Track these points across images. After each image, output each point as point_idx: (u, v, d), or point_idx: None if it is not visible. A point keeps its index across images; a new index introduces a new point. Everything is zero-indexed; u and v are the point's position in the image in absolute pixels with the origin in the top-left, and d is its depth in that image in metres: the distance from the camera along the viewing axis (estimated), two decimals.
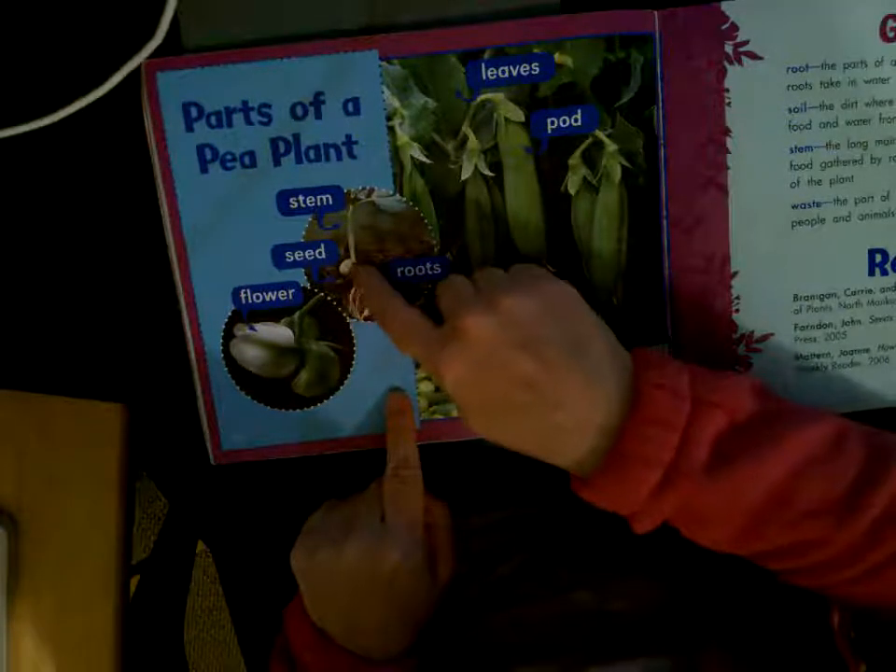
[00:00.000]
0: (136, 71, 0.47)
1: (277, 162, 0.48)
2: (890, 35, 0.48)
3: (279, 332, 0.51)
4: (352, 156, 0.48)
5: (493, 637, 0.50)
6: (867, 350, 0.52)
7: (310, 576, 0.49)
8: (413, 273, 0.50)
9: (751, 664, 0.45)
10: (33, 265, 0.52)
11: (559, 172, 0.49)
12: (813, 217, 0.50)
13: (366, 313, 0.51)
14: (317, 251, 0.50)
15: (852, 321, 0.52)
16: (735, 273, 0.51)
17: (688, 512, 0.42)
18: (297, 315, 0.51)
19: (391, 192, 0.49)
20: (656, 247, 0.50)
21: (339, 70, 0.47)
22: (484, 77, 0.47)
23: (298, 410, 0.52)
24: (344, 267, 0.50)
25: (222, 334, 0.51)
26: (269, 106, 0.48)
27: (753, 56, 0.48)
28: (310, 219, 0.49)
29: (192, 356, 0.51)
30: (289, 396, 0.52)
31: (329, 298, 0.50)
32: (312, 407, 0.52)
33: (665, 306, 0.51)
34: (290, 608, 0.52)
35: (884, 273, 0.51)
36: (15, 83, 0.49)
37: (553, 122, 0.48)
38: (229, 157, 0.48)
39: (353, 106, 0.48)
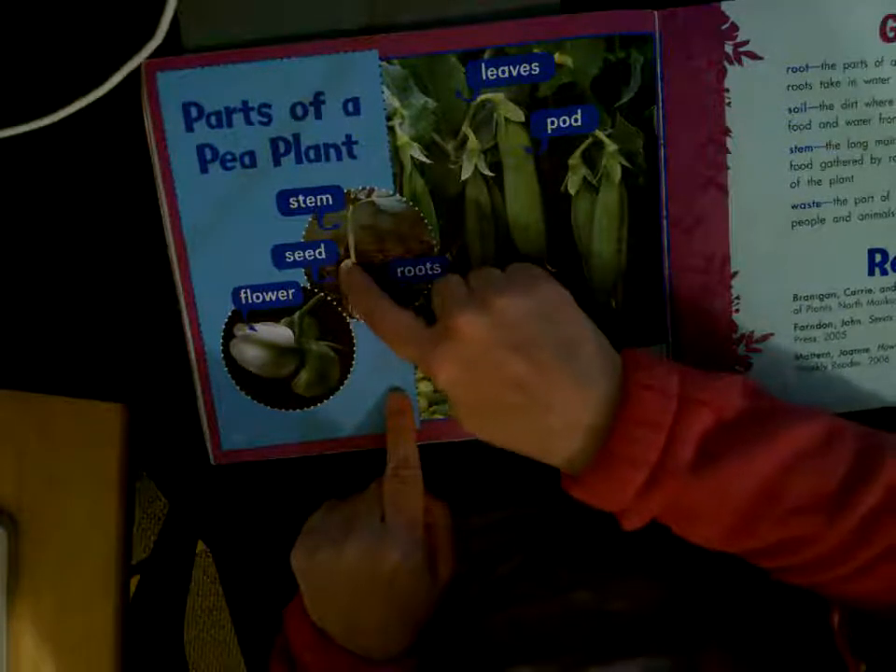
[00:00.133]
0: (136, 71, 0.47)
1: (277, 162, 0.48)
2: (890, 34, 0.48)
3: (279, 332, 0.51)
4: (352, 156, 0.48)
5: (493, 636, 0.50)
6: (867, 350, 0.52)
7: (310, 576, 0.49)
8: (412, 273, 0.50)
9: (751, 664, 0.45)
10: (33, 265, 0.52)
11: (559, 172, 0.49)
12: (813, 217, 0.50)
13: None
14: (317, 251, 0.50)
15: (852, 321, 0.52)
16: (735, 273, 0.51)
17: (676, 510, 0.42)
18: (297, 314, 0.51)
19: (391, 192, 0.49)
20: (656, 247, 0.50)
21: (339, 70, 0.47)
22: (484, 77, 0.47)
23: (298, 410, 0.52)
24: (344, 267, 0.50)
25: (222, 334, 0.51)
26: (269, 106, 0.48)
27: (753, 56, 0.48)
28: (310, 219, 0.49)
29: (192, 356, 0.51)
30: (289, 396, 0.52)
31: (328, 298, 0.50)
32: (312, 407, 0.52)
33: (664, 306, 0.51)
34: (290, 608, 0.52)
35: (884, 272, 0.51)
36: (15, 83, 0.49)
37: (552, 122, 0.48)
38: (229, 157, 0.48)
39: (353, 106, 0.48)
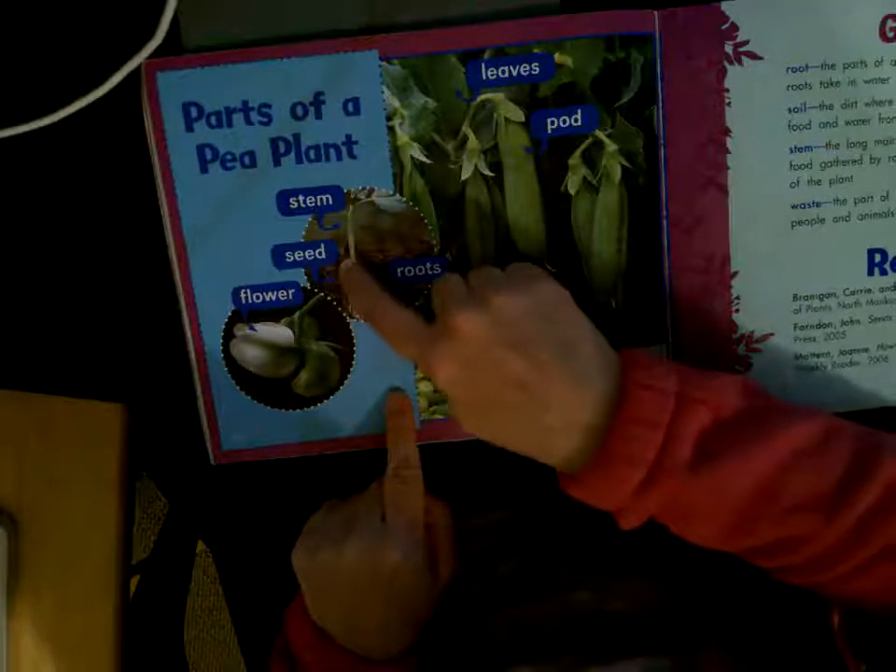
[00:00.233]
0: (136, 71, 0.47)
1: (277, 162, 0.48)
2: (890, 34, 0.48)
3: (279, 332, 0.51)
4: (352, 156, 0.48)
5: (493, 636, 0.50)
6: (866, 350, 0.52)
7: (311, 576, 0.49)
8: (412, 273, 0.50)
9: (751, 664, 0.45)
10: (33, 265, 0.52)
11: (559, 172, 0.49)
12: (813, 217, 0.50)
13: None
14: (317, 251, 0.50)
15: (851, 321, 0.52)
16: (735, 273, 0.51)
17: (674, 509, 0.43)
18: (297, 315, 0.51)
19: (391, 192, 0.49)
20: (656, 247, 0.50)
21: (339, 70, 0.47)
22: (484, 77, 0.47)
23: (298, 410, 0.52)
24: (344, 267, 0.50)
25: (222, 334, 0.51)
26: (269, 106, 0.48)
27: (753, 56, 0.48)
28: (310, 219, 0.49)
29: (192, 356, 0.51)
30: (289, 396, 0.52)
31: (328, 298, 0.50)
32: (312, 407, 0.52)
33: (664, 306, 0.51)
34: (291, 608, 0.52)
35: (883, 272, 0.51)
36: (15, 83, 0.49)
37: (553, 122, 0.48)
38: (229, 157, 0.48)
39: (353, 106, 0.48)
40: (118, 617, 0.56)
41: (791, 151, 0.49)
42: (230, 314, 0.50)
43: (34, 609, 0.56)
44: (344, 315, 0.51)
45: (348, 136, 0.48)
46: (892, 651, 0.42)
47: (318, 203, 0.49)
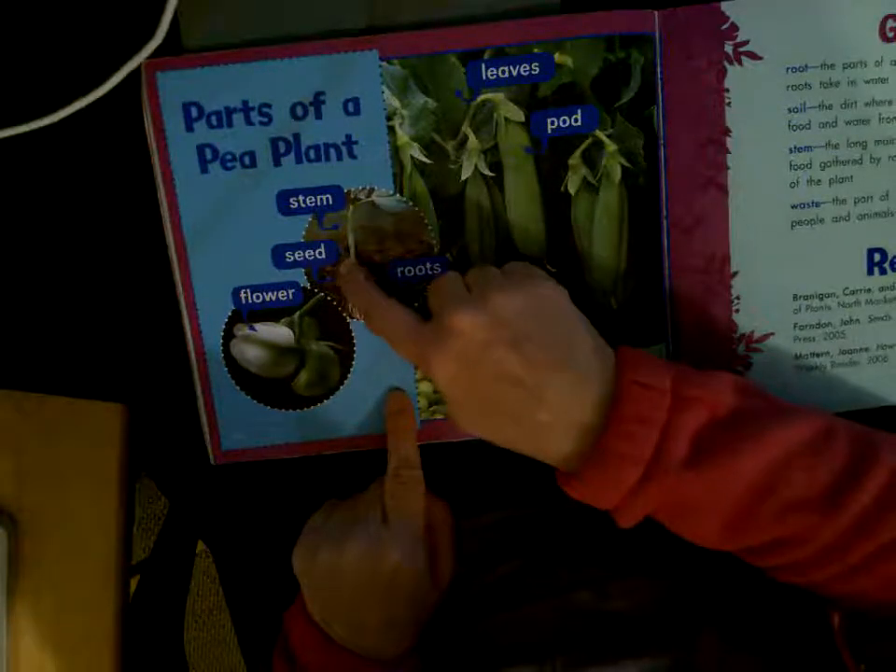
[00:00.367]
0: (136, 71, 0.47)
1: (277, 162, 0.48)
2: (890, 35, 0.48)
3: (279, 332, 0.51)
4: (352, 156, 0.48)
5: (493, 636, 0.50)
6: (866, 349, 0.52)
7: (311, 576, 0.49)
8: (412, 273, 0.50)
9: (751, 664, 0.45)
10: (33, 265, 0.52)
11: (559, 172, 0.49)
12: (812, 217, 0.50)
13: None
14: (317, 251, 0.50)
15: (851, 320, 0.52)
16: (735, 273, 0.51)
17: (670, 507, 0.43)
18: (297, 314, 0.51)
19: (391, 192, 0.49)
20: (656, 247, 0.50)
21: (339, 70, 0.47)
22: (484, 77, 0.47)
23: (298, 410, 0.52)
24: (344, 267, 0.50)
25: (222, 334, 0.51)
26: (269, 106, 0.48)
27: (753, 56, 0.48)
28: (310, 219, 0.49)
29: (192, 356, 0.51)
30: (289, 396, 0.52)
31: (329, 298, 0.50)
32: (312, 407, 0.52)
33: (664, 306, 0.51)
34: (291, 608, 0.52)
35: (882, 272, 0.51)
36: (15, 83, 0.49)
37: (553, 122, 0.48)
38: (229, 157, 0.48)
39: (353, 106, 0.48)
40: (118, 617, 0.56)
41: (791, 151, 0.49)
42: (230, 314, 0.50)
43: (34, 609, 0.56)
44: (344, 314, 0.51)
45: (348, 136, 0.48)
46: (892, 651, 0.42)
47: (318, 203, 0.49)
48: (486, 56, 0.47)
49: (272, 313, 0.51)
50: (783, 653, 0.45)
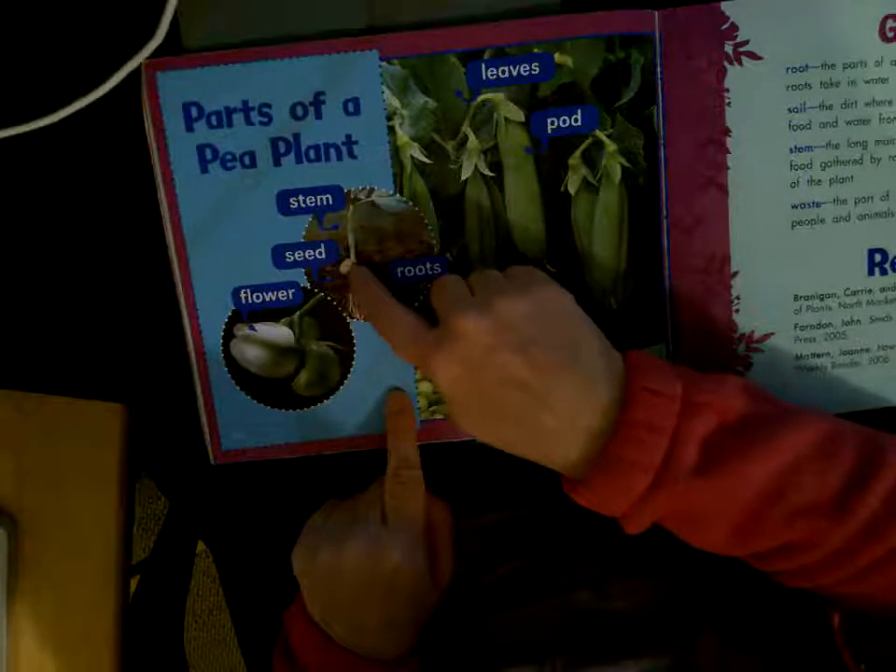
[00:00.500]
0: (136, 71, 0.47)
1: (277, 162, 0.48)
2: (890, 35, 0.48)
3: (279, 332, 0.51)
4: (352, 156, 0.48)
5: (493, 636, 0.50)
6: (867, 350, 0.52)
7: (311, 576, 0.49)
8: (412, 274, 0.50)
9: (751, 664, 0.45)
10: (33, 265, 0.52)
11: (559, 172, 0.49)
12: (813, 217, 0.50)
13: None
14: (317, 251, 0.50)
15: (852, 321, 0.52)
16: (735, 273, 0.51)
17: (679, 514, 0.42)
18: (297, 314, 0.51)
19: (391, 192, 0.49)
20: (656, 247, 0.50)
21: (339, 70, 0.47)
22: (484, 77, 0.47)
23: (298, 410, 0.52)
24: (344, 267, 0.50)
25: (222, 334, 0.51)
26: (269, 106, 0.48)
27: (753, 56, 0.48)
28: (310, 219, 0.49)
29: (192, 356, 0.51)
30: (289, 396, 0.52)
31: (329, 298, 0.50)
32: (312, 407, 0.52)
33: (664, 306, 0.51)
34: (291, 608, 0.52)
35: (883, 272, 0.51)
36: (15, 83, 0.49)
37: (553, 122, 0.48)
38: (229, 157, 0.48)
39: (353, 106, 0.48)
40: (118, 617, 0.56)
41: (791, 151, 0.49)
42: (230, 314, 0.50)
43: (34, 609, 0.56)
44: (344, 314, 0.51)
45: (348, 136, 0.48)
46: (892, 651, 0.42)
47: (318, 203, 0.49)
48: (486, 56, 0.47)
49: (272, 313, 0.51)
50: (783, 653, 0.45)
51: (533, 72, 0.47)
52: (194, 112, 0.48)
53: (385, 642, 0.49)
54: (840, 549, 0.41)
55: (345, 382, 0.51)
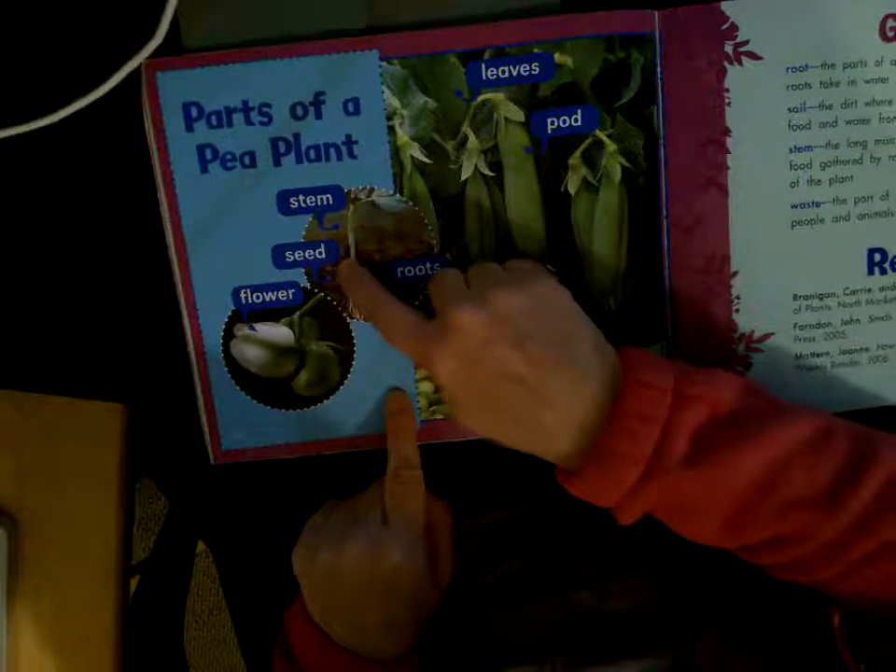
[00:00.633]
0: (136, 71, 0.47)
1: (277, 162, 0.48)
2: (890, 34, 0.48)
3: (279, 332, 0.51)
4: (352, 156, 0.48)
5: (493, 636, 0.50)
6: (866, 349, 0.52)
7: (311, 576, 0.49)
8: (412, 273, 0.50)
9: (751, 664, 0.45)
10: (33, 265, 0.52)
11: (559, 172, 0.49)
12: (812, 217, 0.50)
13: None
14: (317, 251, 0.50)
15: (851, 320, 0.52)
16: (735, 273, 0.51)
17: (671, 505, 0.43)
18: (297, 314, 0.51)
19: (391, 192, 0.49)
20: (656, 247, 0.50)
21: (339, 70, 0.47)
22: (484, 77, 0.47)
23: (298, 410, 0.52)
24: (344, 263, 0.50)
25: (222, 334, 0.51)
26: (269, 106, 0.48)
27: (753, 56, 0.48)
28: (310, 219, 0.49)
29: (192, 356, 0.51)
30: (289, 396, 0.52)
31: (329, 298, 0.50)
32: (312, 407, 0.52)
33: (664, 306, 0.51)
34: (291, 608, 0.52)
35: (883, 272, 0.51)
36: (15, 83, 0.49)
37: (553, 122, 0.48)
38: (229, 157, 0.48)
39: (353, 106, 0.48)
40: (118, 617, 0.56)
41: (791, 151, 0.49)
42: (230, 314, 0.50)
43: (34, 609, 0.56)
44: (344, 314, 0.51)
45: (348, 136, 0.48)
46: (892, 651, 0.42)
47: (318, 203, 0.49)
48: (486, 56, 0.47)
49: (272, 313, 0.51)
50: (783, 653, 0.45)
51: (533, 72, 0.47)
52: (194, 112, 0.48)
53: (385, 642, 0.49)
54: (831, 542, 0.41)
55: (345, 382, 0.51)
